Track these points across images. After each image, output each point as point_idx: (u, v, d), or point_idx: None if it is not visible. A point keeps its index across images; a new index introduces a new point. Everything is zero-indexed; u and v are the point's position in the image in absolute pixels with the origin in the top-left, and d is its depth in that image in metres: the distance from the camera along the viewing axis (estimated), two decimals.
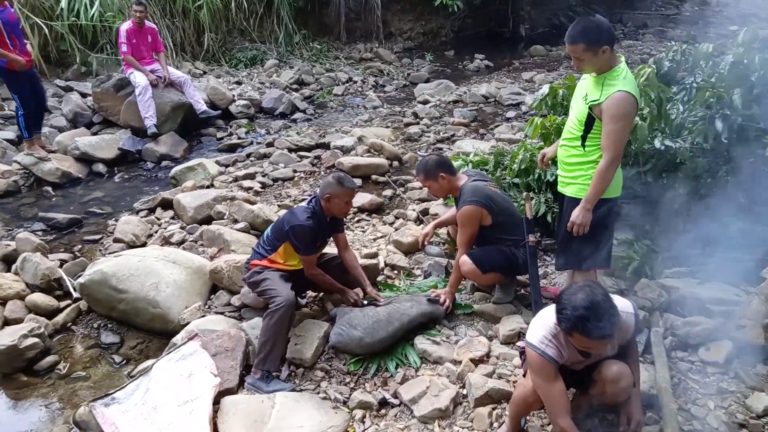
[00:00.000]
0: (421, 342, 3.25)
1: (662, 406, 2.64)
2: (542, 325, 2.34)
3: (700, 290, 3.35)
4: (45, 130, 6.90)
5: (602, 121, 2.81)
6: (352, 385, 3.07)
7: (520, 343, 2.96)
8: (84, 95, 7.74)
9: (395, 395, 2.95)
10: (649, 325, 3.22)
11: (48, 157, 6.07)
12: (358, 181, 5.46)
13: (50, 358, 3.49)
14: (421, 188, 5.32)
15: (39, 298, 3.87)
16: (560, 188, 3.16)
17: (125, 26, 6.95)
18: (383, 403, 2.92)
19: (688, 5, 15.69)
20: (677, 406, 2.69)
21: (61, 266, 4.24)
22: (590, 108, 2.85)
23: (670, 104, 3.85)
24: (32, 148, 6.09)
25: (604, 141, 2.81)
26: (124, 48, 6.92)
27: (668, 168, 3.84)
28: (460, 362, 3.07)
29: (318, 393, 3.02)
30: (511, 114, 7.78)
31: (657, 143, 3.82)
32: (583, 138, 2.92)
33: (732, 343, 2.99)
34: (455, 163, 4.01)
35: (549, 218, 4.03)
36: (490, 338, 3.29)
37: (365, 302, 3.48)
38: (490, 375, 2.95)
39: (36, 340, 3.46)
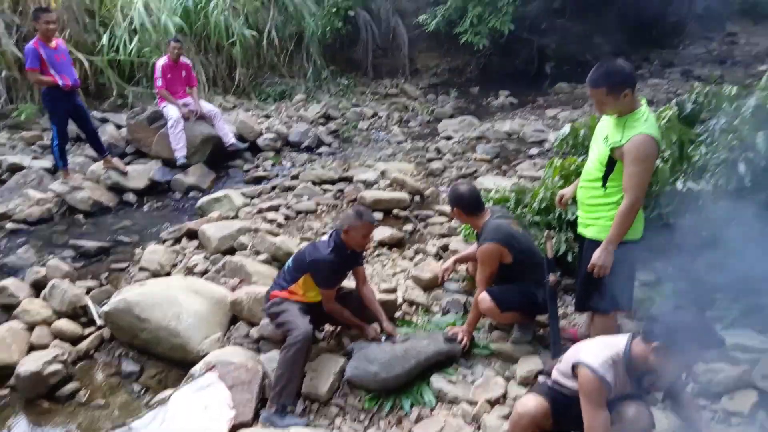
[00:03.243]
0: (438, 380, 3.23)
1: None
2: (605, 350, 2.36)
3: (723, 336, 3.25)
4: (80, 159, 7.17)
5: (623, 163, 2.82)
6: (366, 422, 3.06)
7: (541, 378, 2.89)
8: (119, 126, 8.01)
9: None
10: None
11: (82, 185, 6.29)
12: (379, 215, 5.51)
13: (71, 385, 3.57)
14: (441, 224, 5.34)
15: (65, 324, 3.98)
16: (580, 230, 3.15)
17: (161, 62, 7.25)
18: None
19: (716, 44, 15.62)
20: None
21: (87, 293, 4.35)
22: (611, 150, 2.86)
23: (692, 146, 3.83)
24: (67, 177, 6.32)
25: (626, 183, 2.81)
26: (159, 83, 7.21)
27: (690, 210, 3.80)
28: (476, 403, 3.04)
29: (332, 430, 3.01)
30: (534, 151, 7.77)
31: (679, 185, 3.79)
32: (604, 179, 2.93)
33: (757, 392, 2.90)
34: None
35: (569, 258, 4.00)
36: (507, 379, 3.25)
37: (383, 338, 3.48)
38: (506, 417, 2.90)
39: (59, 366, 3.54)
